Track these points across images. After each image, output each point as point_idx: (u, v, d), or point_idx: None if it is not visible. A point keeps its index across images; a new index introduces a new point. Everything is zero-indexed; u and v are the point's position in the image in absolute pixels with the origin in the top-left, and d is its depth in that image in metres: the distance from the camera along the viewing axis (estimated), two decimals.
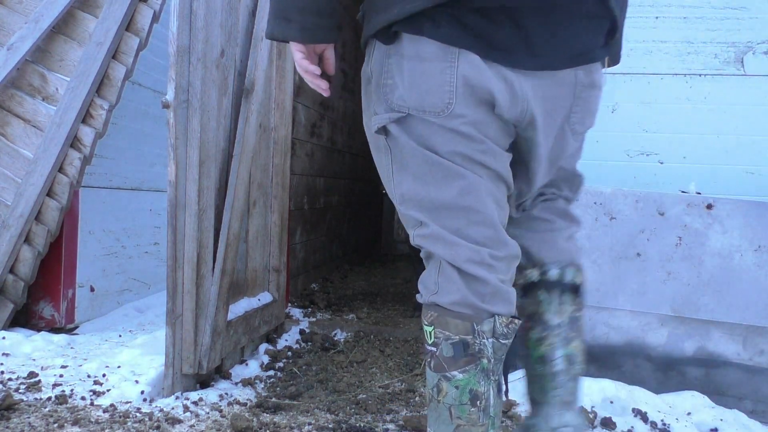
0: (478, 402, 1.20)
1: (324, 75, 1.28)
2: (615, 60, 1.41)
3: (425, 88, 1.17)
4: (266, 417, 1.90)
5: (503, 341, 1.22)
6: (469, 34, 1.15)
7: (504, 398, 1.28)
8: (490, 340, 1.21)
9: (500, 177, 1.24)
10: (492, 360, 1.21)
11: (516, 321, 1.23)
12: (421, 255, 1.31)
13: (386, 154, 1.27)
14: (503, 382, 1.29)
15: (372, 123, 1.27)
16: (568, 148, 1.34)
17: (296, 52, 1.25)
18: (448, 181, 1.20)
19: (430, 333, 1.23)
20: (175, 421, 1.83)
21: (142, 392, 1.99)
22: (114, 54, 2.68)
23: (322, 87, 1.28)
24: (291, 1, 1.20)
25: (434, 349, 1.23)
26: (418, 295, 1.29)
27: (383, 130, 1.25)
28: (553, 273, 1.35)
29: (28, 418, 1.81)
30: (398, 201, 1.28)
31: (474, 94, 1.16)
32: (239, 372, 2.32)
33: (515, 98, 1.18)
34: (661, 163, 2.71)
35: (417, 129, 1.21)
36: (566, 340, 1.34)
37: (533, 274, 1.37)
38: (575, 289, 1.37)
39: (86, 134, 2.68)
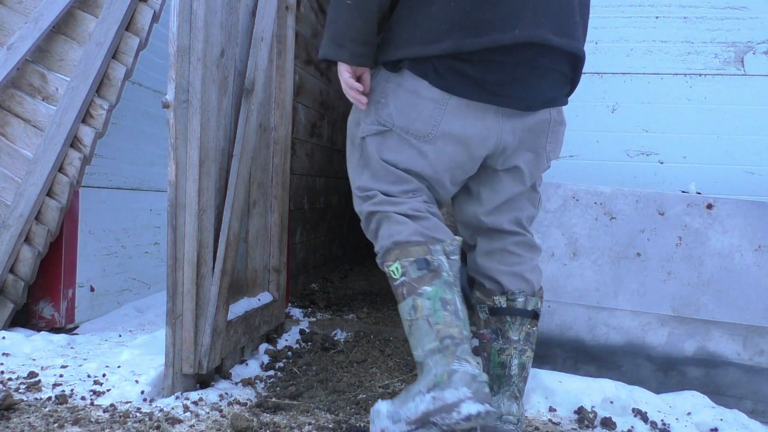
0: (449, 306, 1.45)
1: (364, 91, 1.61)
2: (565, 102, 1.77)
3: (414, 116, 1.53)
4: (266, 417, 1.90)
5: (453, 258, 1.53)
6: (464, 81, 1.49)
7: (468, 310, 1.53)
8: (443, 257, 1.50)
9: (437, 196, 1.64)
10: (450, 273, 1.50)
11: (457, 239, 1.56)
12: (370, 227, 1.61)
13: (357, 151, 1.66)
14: (468, 294, 1.66)
15: (360, 129, 1.63)
16: (542, 168, 1.69)
17: (344, 72, 1.57)
18: (398, 183, 1.59)
19: (397, 268, 1.51)
20: (175, 421, 1.83)
21: (142, 392, 1.99)
22: (114, 54, 2.68)
23: (362, 101, 1.61)
24: (344, 31, 1.52)
25: (404, 278, 1.48)
26: (377, 252, 1.59)
27: (363, 138, 1.62)
28: (519, 302, 1.70)
29: (28, 418, 1.81)
30: (355, 187, 1.66)
31: (450, 135, 1.53)
32: (239, 372, 2.32)
33: (489, 135, 1.55)
34: (662, 163, 2.71)
35: (390, 143, 1.58)
36: (521, 352, 1.69)
37: (501, 301, 1.71)
38: (534, 315, 1.71)
39: (86, 134, 2.68)
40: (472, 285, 1.81)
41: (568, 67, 1.58)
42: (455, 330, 1.42)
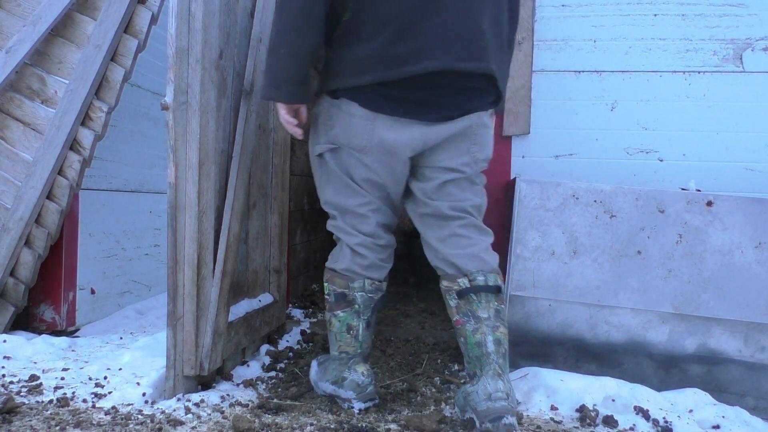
0: (351, 331, 2.00)
1: (299, 124, 1.97)
2: (500, 112, 2.10)
3: (352, 134, 1.87)
4: (268, 418, 1.90)
5: (370, 295, 2.00)
6: (389, 102, 1.82)
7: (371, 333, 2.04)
8: (360, 293, 1.98)
9: (389, 198, 1.98)
10: (361, 306, 1.99)
11: (382, 284, 2.01)
12: (334, 239, 2.09)
13: (319, 169, 2.02)
14: (372, 323, 2.03)
15: (315, 148, 1.99)
16: (472, 164, 1.94)
17: (281, 109, 1.93)
18: (354, 197, 1.96)
19: (327, 287, 2.04)
20: (176, 422, 1.83)
21: (144, 394, 1.99)
22: (113, 56, 2.68)
23: (297, 133, 1.97)
24: (280, 75, 1.86)
25: (328, 297, 2.04)
26: (327, 262, 2.07)
27: (320, 155, 1.98)
28: (480, 279, 1.87)
29: (30, 421, 1.81)
30: (322, 201, 2.05)
31: (380, 144, 1.86)
32: (240, 373, 2.32)
33: (415, 142, 1.86)
34: (661, 160, 2.71)
35: (342, 157, 1.93)
36: (494, 329, 1.84)
37: (464, 282, 1.89)
38: (497, 290, 1.88)
39: (85, 137, 2.68)
40: (438, 278, 2.02)
41: (484, 83, 1.88)
42: (351, 349, 2.01)
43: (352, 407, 1.98)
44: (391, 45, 1.78)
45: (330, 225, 2.06)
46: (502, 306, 1.89)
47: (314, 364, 2.13)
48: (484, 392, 1.76)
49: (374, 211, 1.97)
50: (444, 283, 1.94)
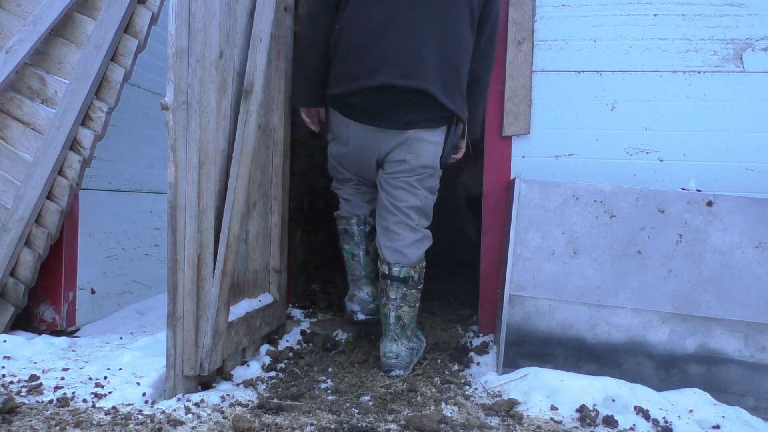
0: (355, 258, 2.71)
1: (317, 122, 2.69)
2: (474, 135, 2.64)
3: (337, 132, 2.56)
4: (268, 418, 1.90)
5: (361, 228, 2.69)
6: (354, 110, 2.42)
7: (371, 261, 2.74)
8: (356, 227, 2.69)
9: (362, 174, 2.62)
10: (359, 237, 2.69)
11: (368, 218, 2.69)
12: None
13: (327, 150, 2.70)
14: (371, 251, 2.70)
15: (327, 136, 2.67)
16: (410, 170, 2.45)
17: (300, 110, 2.67)
18: (337, 173, 2.72)
19: (338, 228, 2.74)
20: (177, 422, 1.83)
21: (144, 394, 1.99)
22: (113, 56, 2.68)
23: (315, 129, 2.72)
24: (295, 85, 2.69)
25: (339, 235, 2.75)
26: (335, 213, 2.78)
27: (327, 142, 2.68)
28: (395, 270, 2.45)
29: (30, 421, 1.81)
30: (328, 170, 2.76)
31: (351, 139, 2.50)
32: (241, 373, 2.32)
33: (375, 144, 2.45)
34: (661, 160, 2.71)
35: (335, 145, 2.62)
36: (398, 308, 2.47)
37: (385, 269, 2.47)
38: (405, 280, 2.45)
39: (85, 137, 2.68)
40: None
41: (422, 98, 2.34)
42: (357, 272, 2.72)
43: (358, 318, 2.71)
44: (353, 65, 2.36)
45: (332, 186, 2.79)
46: (412, 291, 2.47)
47: (347, 296, 2.85)
48: (382, 351, 2.45)
49: (351, 178, 2.68)
50: (378, 262, 2.56)
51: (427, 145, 2.41)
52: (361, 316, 2.69)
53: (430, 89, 2.32)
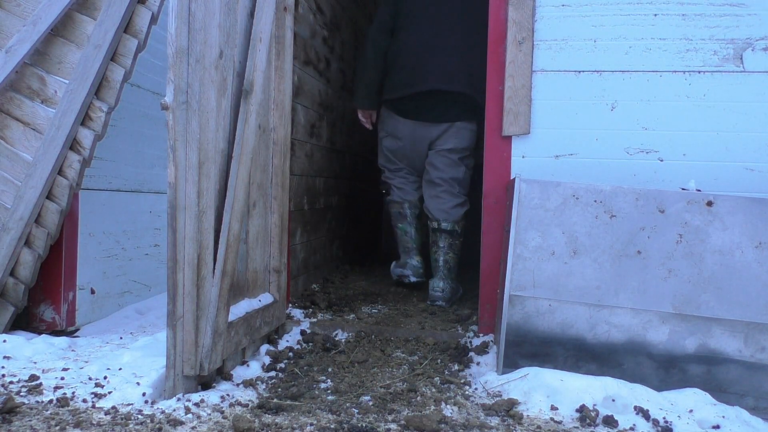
0: (407, 234, 3.62)
1: (370, 122, 3.71)
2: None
3: (391, 129, 3.52)
4: (268, 418, 1.90)
5: (412, 210, 3.60)
6: (407, 112, 3.41)
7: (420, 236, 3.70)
8: (408, 210, 3.60)
9: (413, 164, 3.57)
10: (411, 217, 3.61)
11: (417, 201, 3.59)
12: (386, 186, 3.74)
13: (379, 145, 3.68)
14: (418, 227, 3.62)
15: (380, 134, 3.64)
16: (455, 149, 3.42)
17: (358, 111, 3.68)
18: (390, 163, 3.66)
19: (390, 211, 3.67)
20: (176, 422, 1.83)
21: (144, 394, 1.99)
22: (112, 56, 2.68)
23: (367, 127, 3.75)
24: (358, 91, 3.60)
25: (392, 217, 3.67)
26: (387, 198, 3.73)
27: (380, 138, 3.63)
28: (444, 225, 3.38)
29: (30, 421, 1.81)
30: (378, 163, 3.73)
31: (406, 134, 3.47)
32: (240, 373, 2.32)
33: (426, 133, 3.43)
34: (661, 160, 2.71)
35: (389, 140, 3.57)
36: (445, 253, 3.38)
37: (434, 224, 3.40)
38: (450, 232, 3.38)
39: (85, 136, 2.68)
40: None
41: (459, 97, 3.31)
42: (409, 245, 3.61)
43: (410, 280, 3.61)
44: (404, 74, 3.34)
45: (383, 177, 3.67)
46: (457, 242, 3.41)
47: (394, 264, 3.78)
48: (431, 286, 3.35)
49: (403, 168, 3.59)
50: (428, 222, 3.46)
51: (468, 132, 3.38)
52: (413, 278, 3.58)
53: (466, 91, 3.28)
